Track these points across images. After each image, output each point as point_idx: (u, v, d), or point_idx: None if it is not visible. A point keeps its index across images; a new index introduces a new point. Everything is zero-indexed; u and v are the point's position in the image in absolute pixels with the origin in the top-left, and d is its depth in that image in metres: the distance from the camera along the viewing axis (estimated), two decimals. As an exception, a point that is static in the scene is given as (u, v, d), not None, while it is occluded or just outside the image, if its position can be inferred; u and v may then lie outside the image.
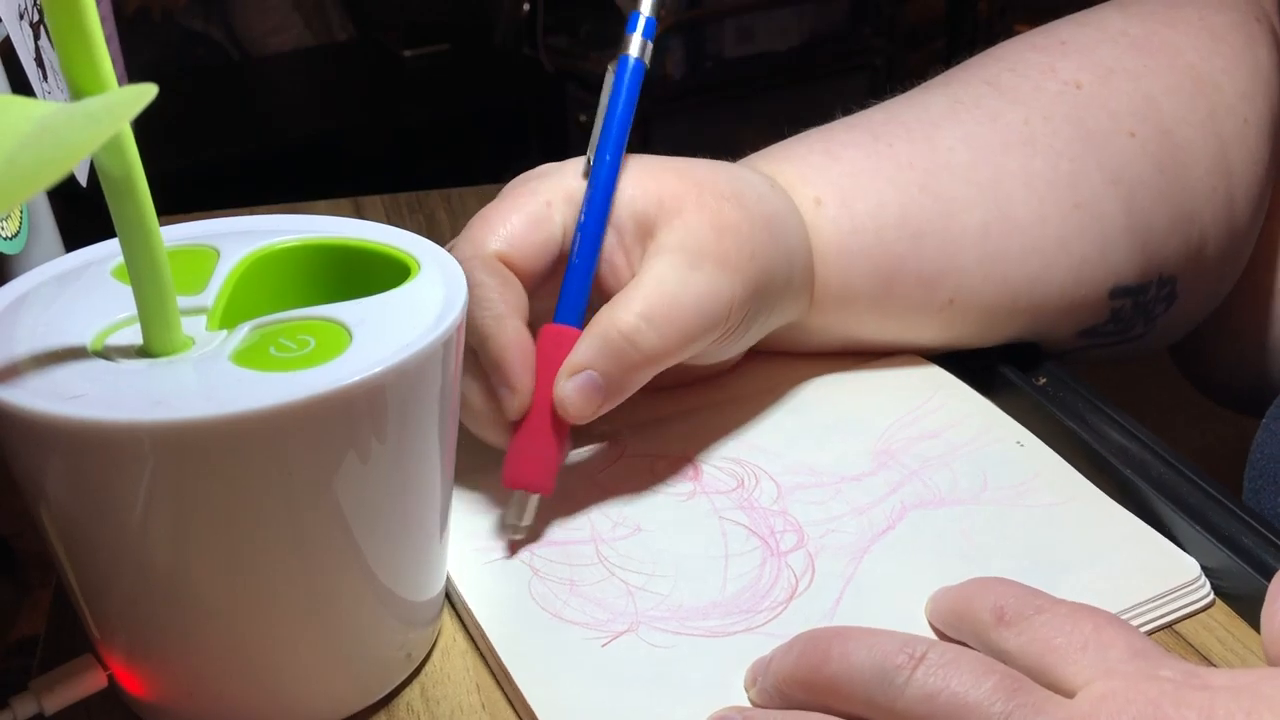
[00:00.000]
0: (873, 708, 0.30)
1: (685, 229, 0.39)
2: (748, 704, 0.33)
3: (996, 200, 0.45)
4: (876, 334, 0.47)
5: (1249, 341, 0.56)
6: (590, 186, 0.39)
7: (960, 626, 0.34)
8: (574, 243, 0.39)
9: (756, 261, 0.40)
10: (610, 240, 0.39)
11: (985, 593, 0.33)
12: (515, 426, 0.38)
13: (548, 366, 0.38)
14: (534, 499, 0.38)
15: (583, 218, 0.39)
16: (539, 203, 0.39)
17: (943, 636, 0.35)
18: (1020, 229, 0.45)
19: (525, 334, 0.37)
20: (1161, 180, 0.48)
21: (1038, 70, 0.48)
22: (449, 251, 0.36)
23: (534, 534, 0.39)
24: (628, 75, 0.40)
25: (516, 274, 0.38)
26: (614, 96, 0.40)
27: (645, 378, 0.38)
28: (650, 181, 0.40)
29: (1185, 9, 0.51)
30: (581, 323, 0.38)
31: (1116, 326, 0.50)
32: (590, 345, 0.37)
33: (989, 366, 0.48)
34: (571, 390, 0.37)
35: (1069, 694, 0.30)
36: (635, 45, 0.40)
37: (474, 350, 0.37)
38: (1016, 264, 0.45)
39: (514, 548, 0.38)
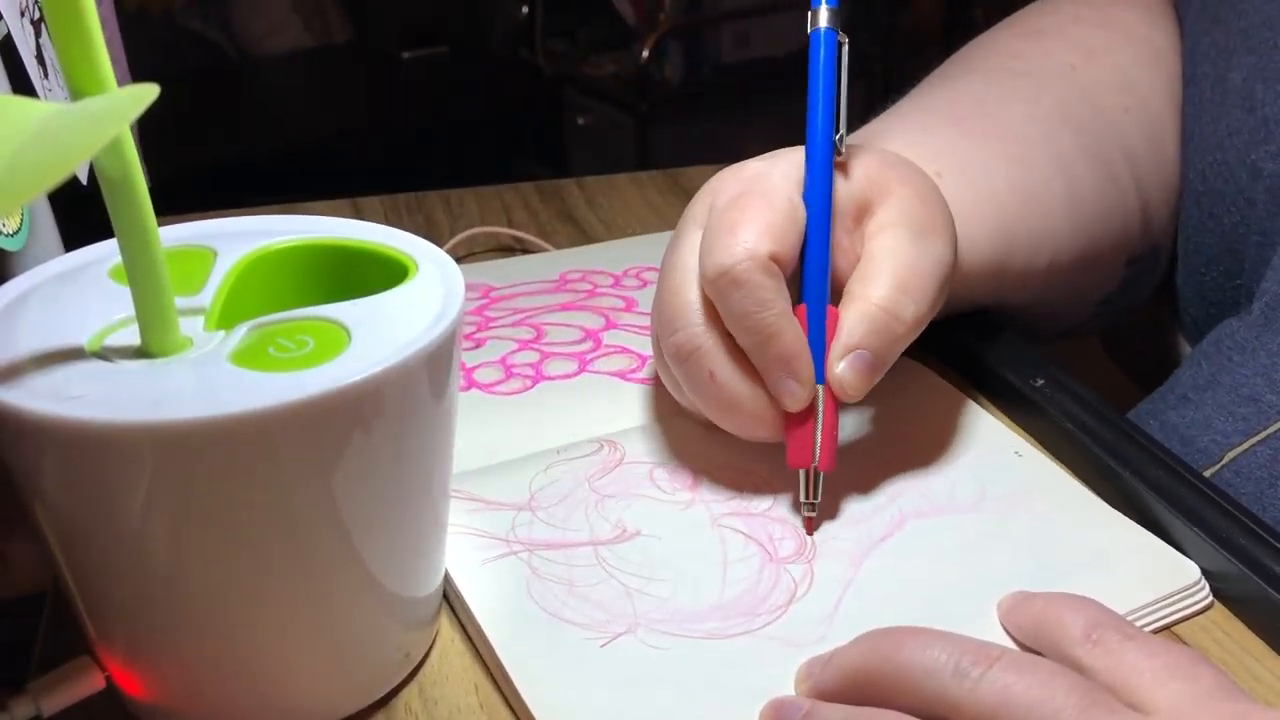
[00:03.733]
0: (944, 701, 0.31)
1: (900, 203, 0.40)
2: (749, 707, 0.33)
3: (1066, 170, 0.48)
4: (984, 301, 0.49)
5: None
6: (808, 171, 0.40)
7: (1040, 633, 0.34)
8: (809, 228, 0.40)
9: (952, 227, 0.42)
10: (836, 228, 0.40)
11: (1079, 608, 0.33)
12: (787, 414, 0.39)
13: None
14: (820, 476, 0.39)
15: (808, 202, 0.40)
16: (785, 197, 0.39)
17: (1014, 640, 0.35)
18: (1085, 197, 0.49)
19: (800, 330, 0.39)
20: (1152, 154, 0.52)
21: (1034, 56, 0.53)
22: (702, 250, 0.38)
23: (532, 537, 0.39)
24: (821, 50, 0.41)
25: (781, 270, 0.38)
26: (812, 74, 0.41)
27: (904, 347, 0.39)
28: (855, 166, 0.41)
29: None
30: (827, 301, 0.40)
31: (1122, 295, 0.54)
32: (856, 325, 0.38)
33: (987, 369, 0.48)
34: (847, 371, 0.38)
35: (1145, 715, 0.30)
36: (823, 16, 0.41)
37: (736, 352, 0.39)
38: (1086, 229, 0.49)
39: (810, 525, 0.39)
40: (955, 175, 0.45)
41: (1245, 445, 0.44)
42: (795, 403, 0.39)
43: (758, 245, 0.37)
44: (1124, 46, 0.54)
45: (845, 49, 0.41)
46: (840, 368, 0.38)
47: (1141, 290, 0.55)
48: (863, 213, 0.41)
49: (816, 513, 0.39)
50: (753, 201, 0.39)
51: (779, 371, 0.38)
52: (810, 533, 0.39)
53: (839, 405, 0.40)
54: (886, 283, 0.39)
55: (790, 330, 0.38)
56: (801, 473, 0.39)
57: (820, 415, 0.39)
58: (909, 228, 0.40)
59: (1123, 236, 0.51)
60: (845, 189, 0.41)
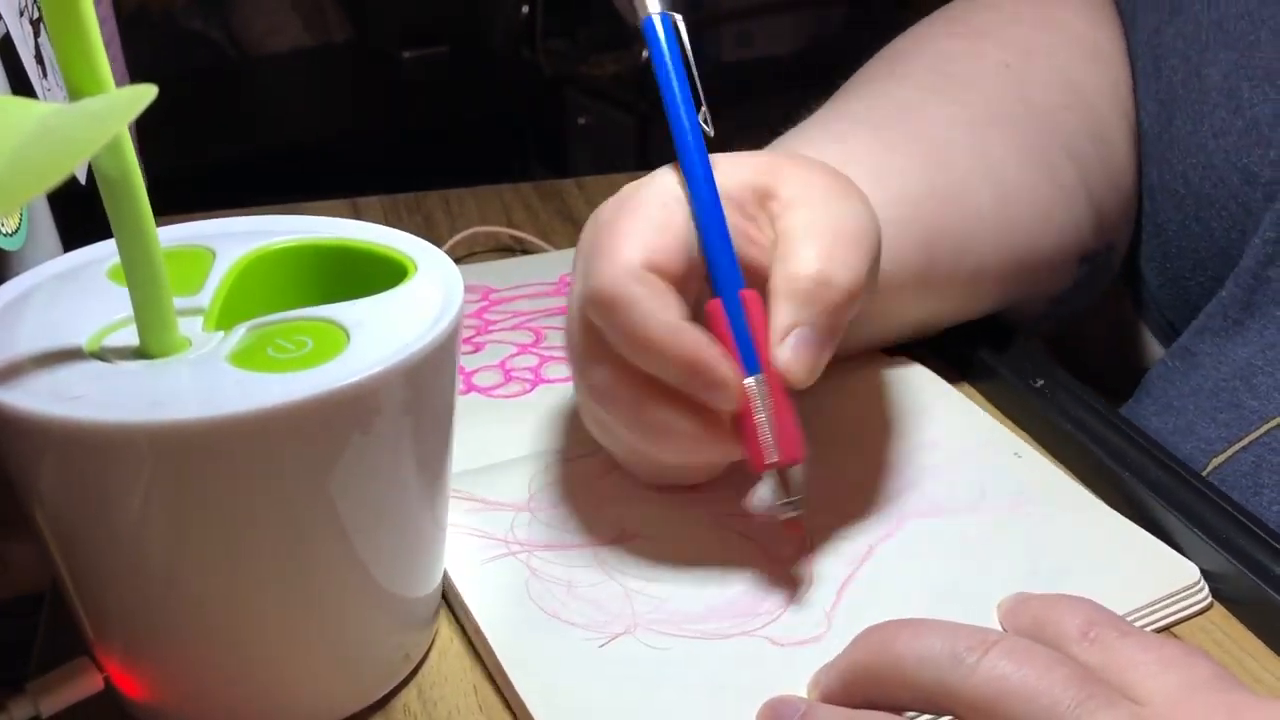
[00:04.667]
0: (940, 688, 0.30)
1: (801, 179, 0.37)
2: (748, 707, 0.33)
3: (994, 172, 0.47)
4: (915, 315, 0.47)
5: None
6: (681, 158, 0.36)
7: (1039, 633, 0.34)
8: (698, 217, 0.36)
9: (863, 193, 0.39)
10: (735, 217, 0.36)
11: (1077, 607, 0.33)
12: (736, 420, 0.35)
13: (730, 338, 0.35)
14: (796, 470, 0.35)
15: (692, 192, 0.36)
16: (655, 205, 0.36)
17: None
18: (1017, 199, 0.47)
19: (701, 331, 0.34)
20: (1096, 152, 0.50)
21: (968, 56, 0.51)
22: (576, 277, 0.35)
23: (531, 538, 0.39)
24: (659, 36, 0.37)
25: (667, 278, 0.35)
26: (656, 63, 0.37)
27: (847, 320, 0.36)
28: (742, 158, 0.38)
29: None
30: (741, 285, 0.35)
31: (1076, 294, 0.52)
32: (787, 304, 0.35)
33: (987, 369, 0.48)
34: (789, 353, 0.34)
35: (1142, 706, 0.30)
36: (652, 2, 0.37)
37: (650, 378, 0.35)
38: (1021, 232, 0.47)
39: (798, 526, 0.36)
40: (868, 181, 0.41)
41: (1229, 452, 0.44)
42: (726, 401, 0.34)
43: (629, 258, 0.34)
44: (1064, 47, 0.52)
45: (683, 27, 0.37)
46: (782, 351, 0.34)
47: (1094, 290, 0.54)
48: (763, 197, 0.37)
49: (800, 510, 0.36)
50: (621, 217, 0.36)
51: (694, 379, 0.34)
52: (801, 533, 0.37)
53: (789, 391, 0.35)
54: (810, 254, 0.35)
55: (686, 333, 0.34)
56: (770, 475, 0.36)
57: (766, 406, 0.34)
58: (816, 196, 0.37)
59: (1073, 235, 0.49)
60: (736, 175, 0.37)
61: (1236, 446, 0.43)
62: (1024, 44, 0.51)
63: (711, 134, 0.37)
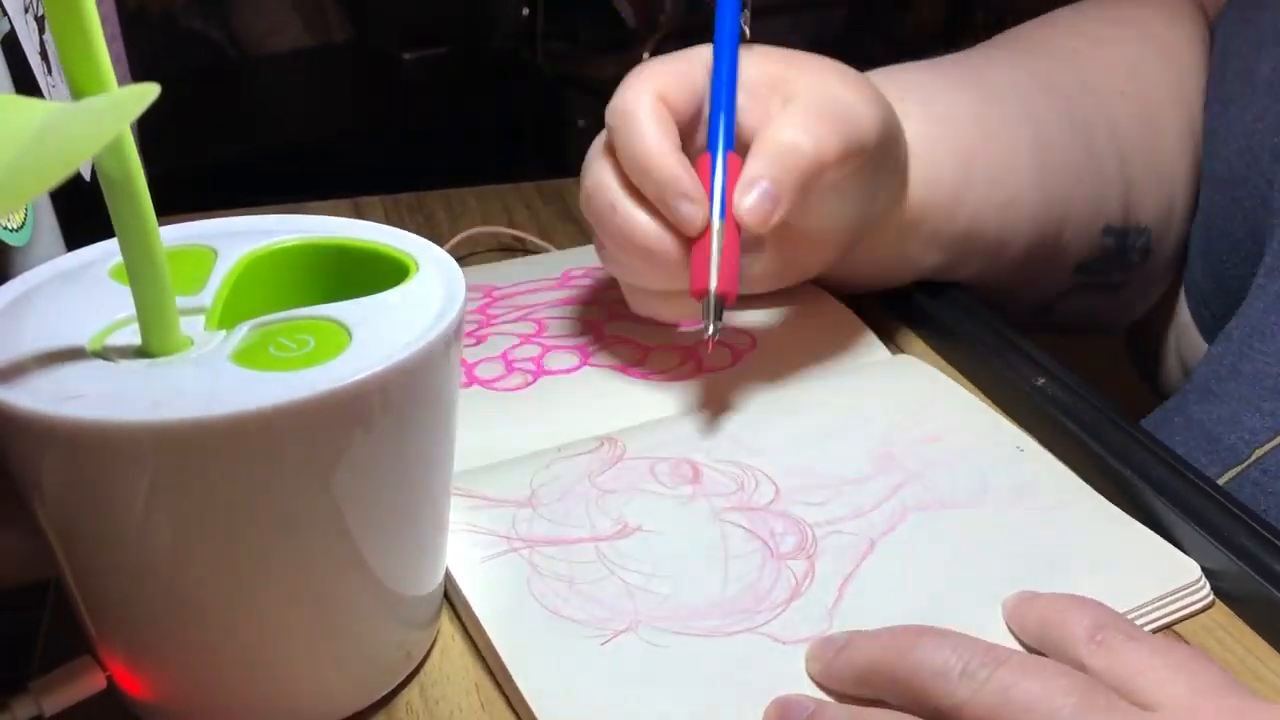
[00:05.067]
0: (949, 699, 0.31)
1: (815, 77, 0.43)
2: (750, 705, 0.33)
3: (1039, 124, 0.51)
4: (947, 240, 0.49)
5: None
6: (715, 37, 0.44)
7: (1045, 635, 0.34)
8: (713, 81, 0.43)
9: (881, 107, 0.44)
10: (744, 101, 0.43)
11: (1083, 609, 0.34)
12: (691, 245, 0.42)
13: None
14: (720, 301, 0.41)
15: (715, 59, 0.44)
16: (681, 59, 0.44)
17: (1019, 641, 0.35)
18: (1053, 152, 0.51)
19: (688, 163, 0.41)
20: (1143, 136, 0.54)
21: (1041, 40, 0.56)
22: (611, 105, 0.43)
23: (533, 534, 0.39)
24: None
25: (671, 112, 0.42)
26: None
27: (809, 186, 0.41)
28: (772, 52, 0.45)
29: None
30: (732, 147, 0.43)
31: (1103, 264, 0.55)
32: (759, 160, 0.41)
33: (988, 368, 0.48)
34: (749, 201, 0.40)
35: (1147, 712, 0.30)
36: None
37: (630, 189, 0.42)
38: (1056, 179, 0.51)
39: (710, 344, 0.41)
40: (918, 103, 0.48)
41: (1273, 443, 0.44)
42: (691, 220, 0.41)
43: (644, 87, 0.42)
44: (1135, 40, 0.56)
45: None
46: (743, 199, 0.40)
47: (1125, 268, 0.55)
48: (776, 89, 0.43)
49: (717, 335, 0.41)
50: (652, 63, 0.44)
51: (668, 194, 0.41)
52: (710, 349, 0.42)
53: (738, 246, 0.42)
54: (789, 123, 0.41)
55: (672, 155, 0.41)
56: (704, 304, 0.41)
57: (719, 244, 0.41)
58: (822, 89, 0.43)
59: (1098, 202, 0.52)
60: (760, 68, 0.44)
61: None
62: (1096, 34, 0.56)
63: (748, 35, 0.45)
